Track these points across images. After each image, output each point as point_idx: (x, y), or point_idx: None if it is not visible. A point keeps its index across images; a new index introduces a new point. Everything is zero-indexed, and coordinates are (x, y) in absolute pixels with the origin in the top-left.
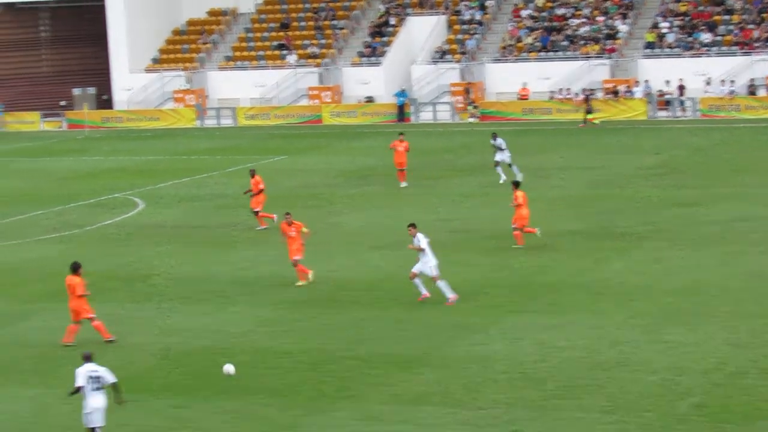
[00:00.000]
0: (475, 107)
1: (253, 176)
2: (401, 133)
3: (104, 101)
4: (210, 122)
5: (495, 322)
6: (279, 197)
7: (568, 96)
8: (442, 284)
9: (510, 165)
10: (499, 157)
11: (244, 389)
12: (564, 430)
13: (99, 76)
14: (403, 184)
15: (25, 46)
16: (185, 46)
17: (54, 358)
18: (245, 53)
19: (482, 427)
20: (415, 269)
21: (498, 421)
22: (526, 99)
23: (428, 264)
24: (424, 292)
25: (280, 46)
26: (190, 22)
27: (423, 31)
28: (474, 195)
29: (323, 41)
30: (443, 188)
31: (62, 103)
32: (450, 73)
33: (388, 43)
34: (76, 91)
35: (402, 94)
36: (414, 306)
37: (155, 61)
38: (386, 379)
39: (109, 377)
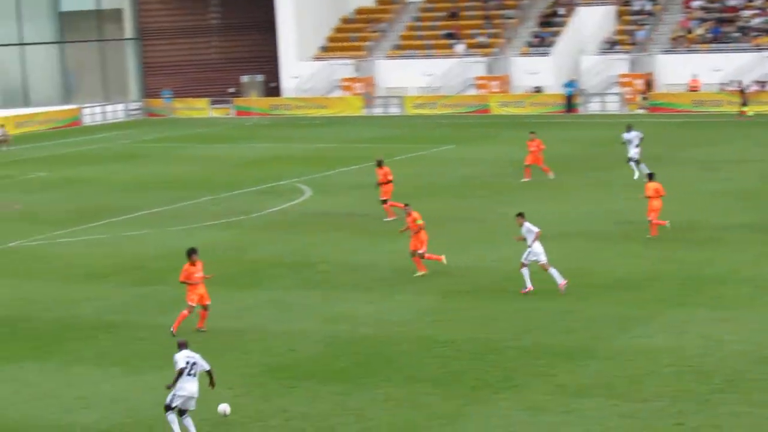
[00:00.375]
0: (645, 98)
1: (380, 166)
2: (532, 132)
3: (272, 89)
4: (377, 111)
5: (659, 314)
6: (446, 186)
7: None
8: (553, 271)
9: (637, 162)
10: (632, 152)
11: (408, 378)
12: (729, 425)
13: (267, 64)
14: (551, 176)
15: (195, 34)
16: (353, 34)
17: (220, 344)
18: (413, 42)
19: (645, 419)
20: (525, 259)
21: (662, 414)
22: (697, 91)
23: (538, 253)
24: (529, 285)
25: (449, 35)
26: (359, 11)
27: (592, 21)
28: (642, 186)
29: (492, 31)
30: (611, 179)
31: (231, 90)
32: (619, 64)
33: (557, 33)
34: (245, 79)
35: (571, 84)
36: (579, 297)
37: (323, 49)
38: (549, 370)
39: (205, 364)
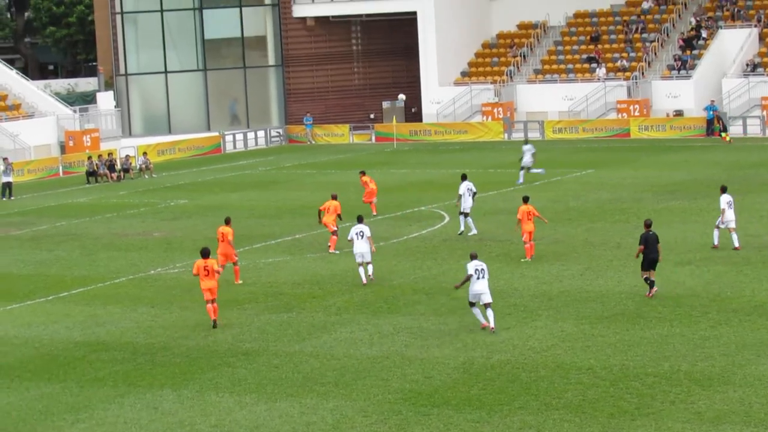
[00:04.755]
0: None
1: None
2: None
3: (413, 114)
4: (517, 135)
5: None
6: (584, 211)
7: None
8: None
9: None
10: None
11: (544, 404)
12: None
13: (408, 89)
14: None
15: (337, 60)
16: (495, 59)
17: (357, 371)
18: (554, 66)
19: None
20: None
21: None
22: None
23: None
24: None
25: (590, 59)
26: (500, 35)
27: (734, 43)
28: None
29: (633, 54)
30: (753, 203)
31: (371, 115)
32: (761, 87)
33: (698, 56)
34: (386, 104)
35: (712, 107)
36: (718, 322)
37: (464, 74)
38: (687, 397)
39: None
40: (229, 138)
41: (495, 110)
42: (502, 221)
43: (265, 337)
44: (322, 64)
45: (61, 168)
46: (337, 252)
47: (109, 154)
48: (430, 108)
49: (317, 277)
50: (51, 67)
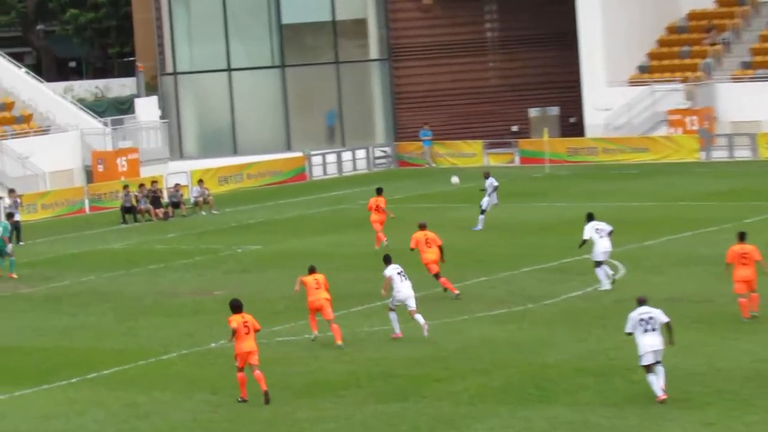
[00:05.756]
0: None
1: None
2: None
3: (571, 125)
4: (719, 154)
5: None
6: None
7: None
8: None
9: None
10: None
11: None
12: None
13: (564, 91)
14: None
15: (465, 51)
16: (685, 47)
17: None
18: None
19: None
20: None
21: None
22: None
23: None
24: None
25: None
26: (692, 15)
27: None
28: None
29: None
30: None
31: (513, 128)
32: None
33: None
34: (533, 112)
35: None
36: None
37: (643, 69)
38: None
39: (663, 317)
40: (317, 160)
41: (687, 119)
42: (699, 274)
43: (369, 430)
44: (444, 57)
45: (87, 202)
46: (459, 295)
47: (152, 183)
48: (595, 117)
49: (441, 351)
50: (73, 64)
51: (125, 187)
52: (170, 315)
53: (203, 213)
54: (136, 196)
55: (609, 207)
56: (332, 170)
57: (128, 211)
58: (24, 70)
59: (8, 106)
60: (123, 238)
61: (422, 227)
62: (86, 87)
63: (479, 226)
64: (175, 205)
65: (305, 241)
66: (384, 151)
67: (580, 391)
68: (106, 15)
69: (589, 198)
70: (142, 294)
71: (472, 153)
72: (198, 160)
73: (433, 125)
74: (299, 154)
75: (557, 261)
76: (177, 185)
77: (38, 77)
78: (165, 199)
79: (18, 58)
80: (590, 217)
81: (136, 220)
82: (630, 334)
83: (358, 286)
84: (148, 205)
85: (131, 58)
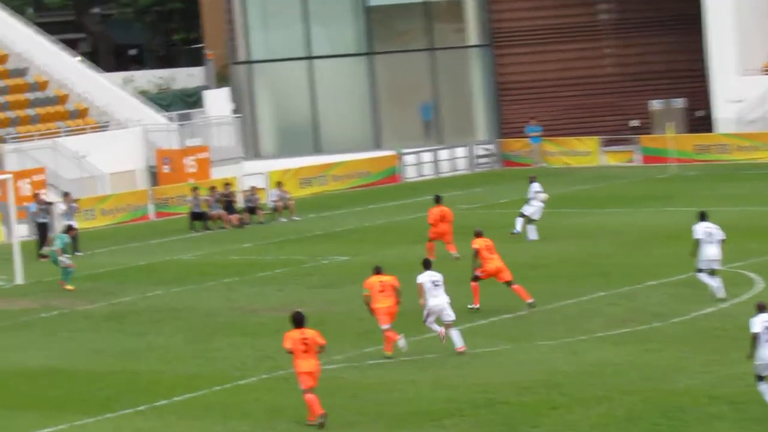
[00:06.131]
0: None
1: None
2: None
3: (698, 120)
4: None
5: None
6: None
7: None
8: None
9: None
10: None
11: None
12: None
13: (690, 81)
14: None
15: (576, 36)
16: None
17: None
18: None
19: None
20: None
21: None
22: None
23: None
24: None
25: None
26: None
27: None
28: None
29: None
30: None
31: (633, 123)
32: None
33: None
34: (655, 105)
35: None
36: None
37: None
38: None
39: None
40: (410, 160)
41: None
42: None
43: None
44: (553, 43)
45: (151, 207)
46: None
47: (225, 186)
48: (726, 110)
49: (555, 375)
50: (133, 52)
51: (194, 189)
52: (248, 335)
53: (283, 219)
54: (206, 201)
55: (744, 212)
56: (428, 171)
57: (198, 217)
58: (79, 58)
59: (61, 100)
60: (193, 248)
61: (479, 234)
62: (148, 77)
63: (530, 234)
64: (251, 210)
65: (398, 251)
66: (486, 149)
67: (715, 420)
68: None
69: (721, 202)
70: (216, 311)
71: (586, 151)
72: (276, 160)
73: (541, 120)
74: (390, 152)
75: (686, 274)
76: (253, 188)
77: (95, 66)
78: (239, 203)
79: (72, 45)
80: (703, 217)
81: (207, 228)
82: (755, 337)
83: (457, 303)
84: (221, 211)
85: (199, 45)
